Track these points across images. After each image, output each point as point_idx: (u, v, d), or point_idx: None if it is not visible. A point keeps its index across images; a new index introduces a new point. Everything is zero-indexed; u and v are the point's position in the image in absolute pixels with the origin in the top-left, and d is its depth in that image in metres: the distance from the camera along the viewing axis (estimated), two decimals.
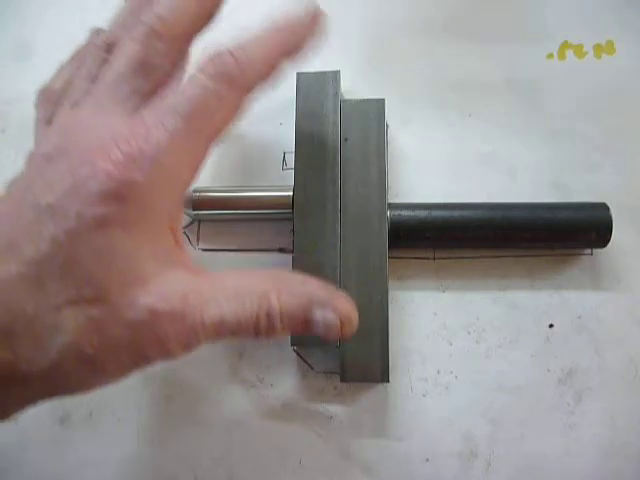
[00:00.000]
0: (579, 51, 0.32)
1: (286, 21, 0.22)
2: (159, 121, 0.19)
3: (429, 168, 0.31)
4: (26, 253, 0.18)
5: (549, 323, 0.28)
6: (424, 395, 0.27)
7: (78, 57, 0.25)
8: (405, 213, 0.28)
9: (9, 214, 0.19)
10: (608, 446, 0.26)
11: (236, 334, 0.20)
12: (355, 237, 0.27)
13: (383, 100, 0.29)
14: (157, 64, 0.21)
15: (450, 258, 0.29)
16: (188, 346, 0.20)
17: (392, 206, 0.28)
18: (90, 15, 0.36)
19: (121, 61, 0.21)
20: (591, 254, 0.29)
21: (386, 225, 0.27)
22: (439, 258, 0.29)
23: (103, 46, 0.22)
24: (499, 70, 0.32)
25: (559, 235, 0.27)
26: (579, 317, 0.28)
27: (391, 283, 0.28)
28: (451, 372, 0.28)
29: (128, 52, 0.21)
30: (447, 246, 0.29)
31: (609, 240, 0.27)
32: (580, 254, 0.29)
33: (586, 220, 0.27)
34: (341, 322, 0.21)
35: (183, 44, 0.22)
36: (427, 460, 0.27)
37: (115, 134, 0.19)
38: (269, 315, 0.20)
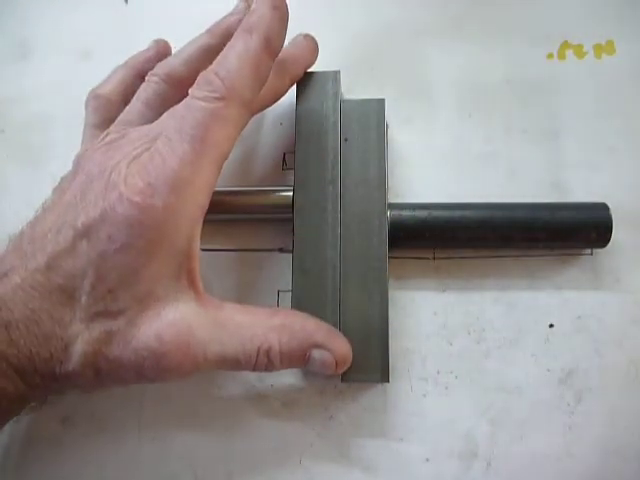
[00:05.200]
0: (579, 51, 0.32)
1: (251, 25, 0.23)
2: (168, 147, 0.21)
3: (429, 168, 0.31)
4: (65, 267, 0.20)
5: (549, 323, 0.28)
6: (424, 395, 0.27)
7: (134, 68, 0.28)
8: (405, 213, 0.28)
9: (52, 230, 0.21)
10: (608, 446, 0.26)
11: (235, 368, 0.22)
12: (355, 237, 0.27)
13: (383, 100, 0.29)
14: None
15: (450, 258, 0.29)
16: (187, 374, 0.21)
17: (392, 206, 0.28)
18: (90, 15, 0.36)
19: (180, 112, 0.22)
20: (591, 254, 0.29)
21: (386, 225, 0.27)
22: (439, 258, 0.29)
23: (165, 78, 0.25)
24: (499, 70, 0.32)
25: (559, 235, 0.27)
26: (579, 317, 0.28)
27: (391, 283, 0.28)
28: (451, 372, 0.28)
29: (190, 109, 0.22)
30: (447, 246, 0.29)
31: (609, 240, 0.27)
32: (580, 254, 0.29)
33: (586, 220, 0.27)
34: (337, 362, 0.23)
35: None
36: (427, 460, 0.27)
37: (135, 162, 0.21)
38: (268, 355, 0.22)
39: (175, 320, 0.21)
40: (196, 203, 0.22)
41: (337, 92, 0.29)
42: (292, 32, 0.32)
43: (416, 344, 0.28)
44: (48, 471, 0.27)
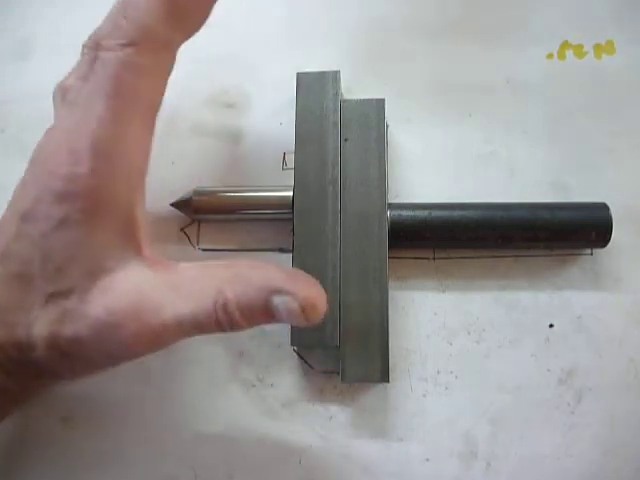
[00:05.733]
0: (579, 51, 0.32)
1: None
2: (87, 111, 0.20)
3: (429, 168, 0.31)
4: (16, 254, 0.20)
5: (549, 323, 0.28)
6: (424, 395, 0.27)
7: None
8: (405, 213, 0.28)
9: (6, 221, 0.21)
10: (608, 446, 0.26)
11: (200, 331, 0.20)
12: (355, 237, 0.27)
13: (383, 100, 0.29)
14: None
15: (450, 258, 0.29)
16: (152, 346, 0.20)
17: (392, 206, 0.28)
18: (90, 13, 0.36)
19: (95, 69, 0.21)
20: (591, 254, 0.29)
21: (386, 225, 0.27)
22: (439, 258, 0.29)
23: (93, 45, 0.22)
24: (499, 70, 0.32)
25: (559, 235, 0.27)
26: (579, 317, 0.28)
27: (391, 283, 0.28)
28: (451, 372, 0.28)
29: (101, 63, 0.21)
30: (447, 246, 0.29)
31: (609, 240, 0.27)
32: (580, 254, 0.29)
33: (586, 220, 0.27)
34: (302, 307, 0.20)
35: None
36: (427, 460, 0.27)
37: (61, 136, 0.20)
38: (226, 309, 0.19)
39: (125, 289, 0.20)
40: (129, 165, 0.20)
41: (337, 92, 0.29)
42: (292, 32, 0.32)
43: (416, 344, 0.28)
44: (48, 471, 0.27)
